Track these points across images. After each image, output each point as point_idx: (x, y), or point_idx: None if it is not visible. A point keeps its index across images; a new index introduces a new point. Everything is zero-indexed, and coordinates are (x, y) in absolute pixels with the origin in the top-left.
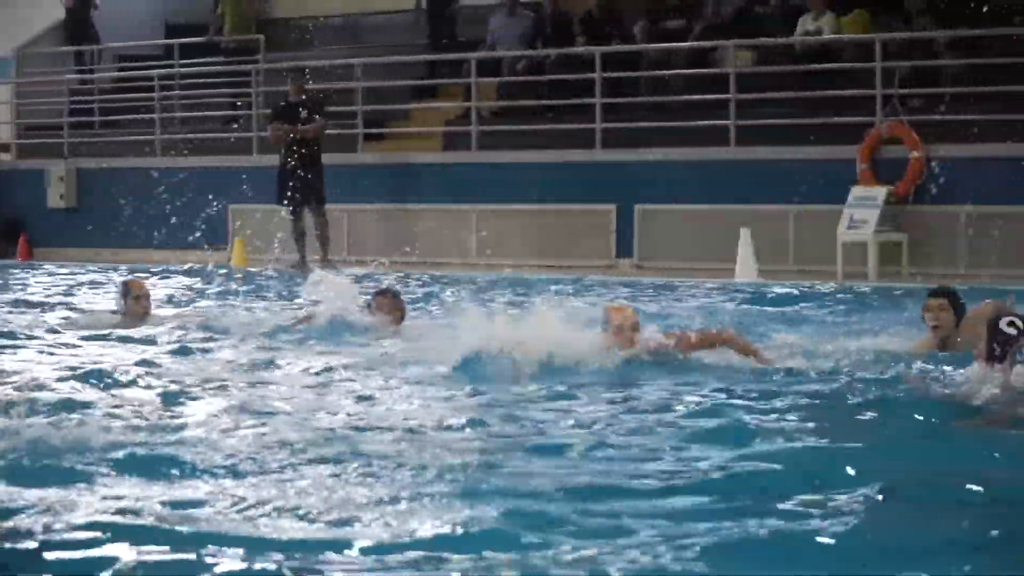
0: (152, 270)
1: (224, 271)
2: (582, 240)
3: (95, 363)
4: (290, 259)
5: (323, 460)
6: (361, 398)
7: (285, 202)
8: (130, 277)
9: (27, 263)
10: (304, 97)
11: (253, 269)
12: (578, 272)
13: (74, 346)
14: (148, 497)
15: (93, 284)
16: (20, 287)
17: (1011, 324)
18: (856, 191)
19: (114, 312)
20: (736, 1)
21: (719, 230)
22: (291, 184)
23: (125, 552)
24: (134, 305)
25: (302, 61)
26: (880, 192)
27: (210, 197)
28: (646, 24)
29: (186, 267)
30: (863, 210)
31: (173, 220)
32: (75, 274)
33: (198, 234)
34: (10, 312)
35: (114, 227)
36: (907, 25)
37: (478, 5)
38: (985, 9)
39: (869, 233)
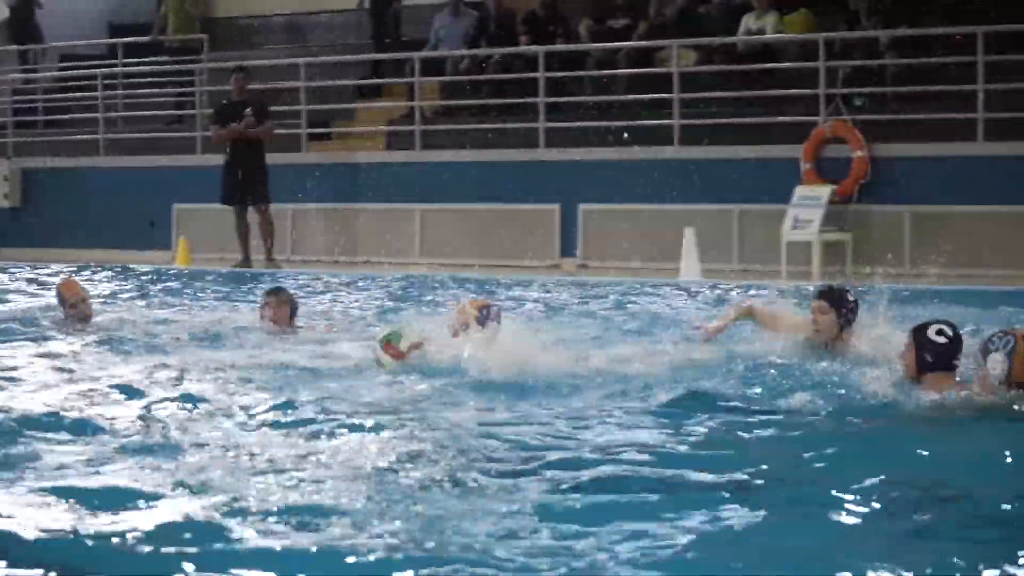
0: (94, 269)
1: (169, 270)
2: (526, 240)
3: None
4: (234, 258)
5: (279, 468)
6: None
7: (230, 200)
8: (64, 279)
9: None
10: (247, 96)
11: (197, 268)
12: (522, 272)
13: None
14: (105, 505)
15: (39, 285)
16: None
17: (940, 333)
18: (800, 190)
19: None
20: (679, 1)
21: (664, 230)
22: (236, 183)
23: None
24: (71, 311)
25: (246, 60)
26: (824, 191)
27: (154, 197)
28: (591, 23)
29: (130, 267)
30: (807, 210)
31: (118, 220)
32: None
33: (142, 234)
34: None
35: (59, 227)
36: (850, 25)
37: (421, 4)
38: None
39: (813, 232)
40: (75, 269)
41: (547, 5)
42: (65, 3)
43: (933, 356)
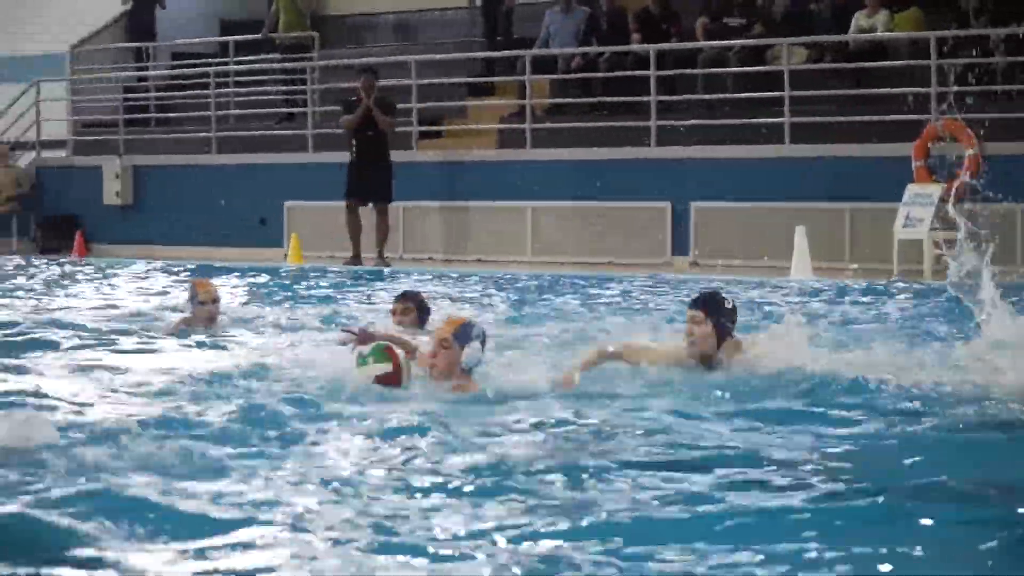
0: (213, 267)
1: (281, 268)
2: (637, 238)
3: (157, 369)
4: (344, 255)
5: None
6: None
7: (352, 195)
8: (198, 278)
9: (84, 259)
10: (371, 86)
11: (309, 265)
12: (632, 271)
13: (138, 350)
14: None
15: (151, 281)
16: (79, 284)
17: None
18: (912, 188)
19: (178, 312)
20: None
21: (776, 226)
22: (360, 180)
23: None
24: (200, 309)
25: (356, 58)
26: (935, 190)
27: (265, 194)
28: (707, 21)
29: (243, 264)
30: (919, 208)
31: (229, 217)
32: (132, 271)
33: (253, 231)
34: (66, 311)
35: (170, 224)
36: (960, 23)
37: (533, 2)
38: None
39: (925, 231)
40: (194, 267)
41: (660, 3)
42: (177, 1)
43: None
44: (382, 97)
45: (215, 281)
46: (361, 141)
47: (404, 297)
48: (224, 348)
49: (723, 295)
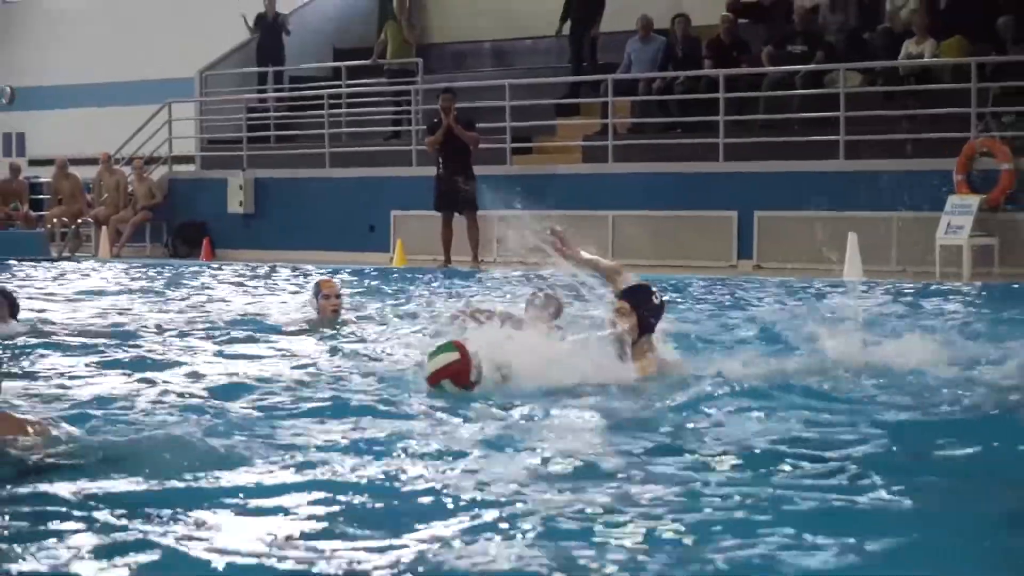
0: (328, 270)
1: (390, 270)
2: (707, 243)
3: (284, 362)
4: (441, 259)
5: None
6: None
7: (440, 207)
8: (323, 278)
9: (210, 263)
10: (452, 107)
11: (411, 268)
12: (703, 272)
13: (265, 344)
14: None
15: (271, 281)
16: (206, 285)
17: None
18: (953, 199)
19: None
20: (846, 26)
21: (830, 233)
22: (446, 192)
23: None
24: (324, 303)
25: (456, 82)
26: (974, 200)
27: (374, 204)
28: (771, 49)
29: (353, 267)
30: (959, 216)
31: (340, 225)
32: (256, 274)
33: (362, 237)
34: (199, 308)
35: (287, 230)
36: (999, 50)
37: (615, 32)
38: None
39: (964, 237)
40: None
41: (730, 33)
42: (295, 29)
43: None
44: (463, 116)
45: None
46: (447, 156)
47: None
48: (344, 342)
49: (652, 290)
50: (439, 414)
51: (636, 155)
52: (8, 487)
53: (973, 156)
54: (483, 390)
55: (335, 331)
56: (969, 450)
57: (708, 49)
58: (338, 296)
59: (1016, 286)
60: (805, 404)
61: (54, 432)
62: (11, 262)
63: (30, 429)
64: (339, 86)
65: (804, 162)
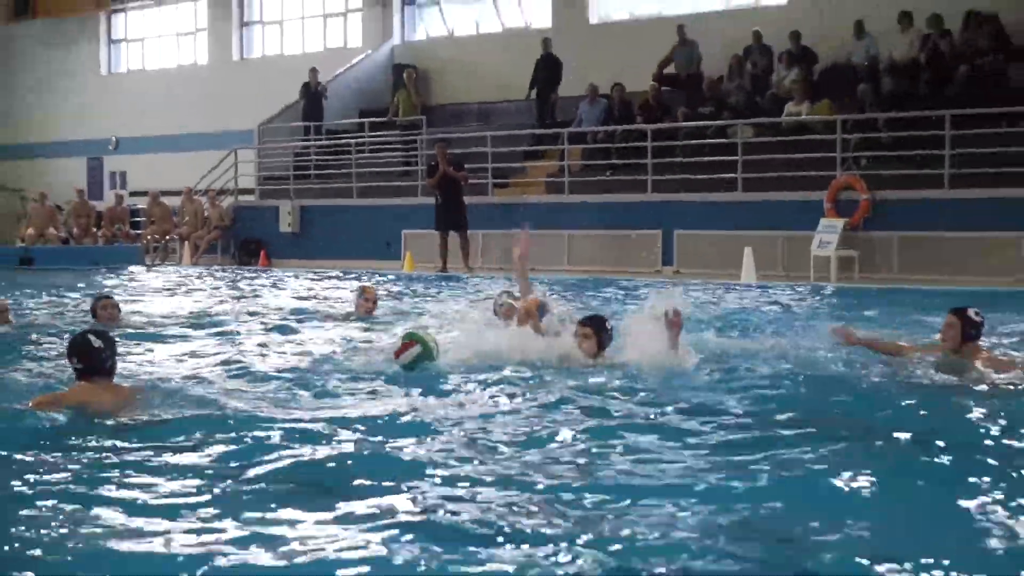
0: (359, 274)
1: (403, 275)
2: (639, 254)
3: (330, 348)
4: (438, 266)
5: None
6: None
7: (439, 227)
8: (366, 284)
9: (266, 269)
10: (447, 158)
11: (417, 273)
12: (636, 276)
13: (313, 330)
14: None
15: (317, 283)
16: (265, 285)
17: (977, 314)
18: (823, 222)
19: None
20: (743, 92)
21: (732, 247)
22: (442, 216)
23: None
24: (362, 303)
25: (451, 134)
26: (840, 223)
27: (389, 225)
28: (686, 110)
29: (374, 272)
30: (828, 235)
31: (364, 241)
32: (300, 277)
33: (381, 250)
34: (258, 302)
35: (325, 245)
36: (859, 109)
37: (569, 96)
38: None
39: (832, 250)
40: (352, 274)
41: (656, 98)
42: (331, 95)
43: (975, 330)
44: (453, 159)
45: (370, 283)
46: (443, 190)
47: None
48: (370, 332)
49: (606, 318)
50: (410, 391)
51: (586, 189)
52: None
53: (839, 189)
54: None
55: (368, 324)
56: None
57: (639, 109)
58: (375, 300)
59: (871, 287)
60: (710, 376)
61: (150, 396)
62: (117, 269)
63: (136, 395)
64: (363, 137)
65: (712, 194)
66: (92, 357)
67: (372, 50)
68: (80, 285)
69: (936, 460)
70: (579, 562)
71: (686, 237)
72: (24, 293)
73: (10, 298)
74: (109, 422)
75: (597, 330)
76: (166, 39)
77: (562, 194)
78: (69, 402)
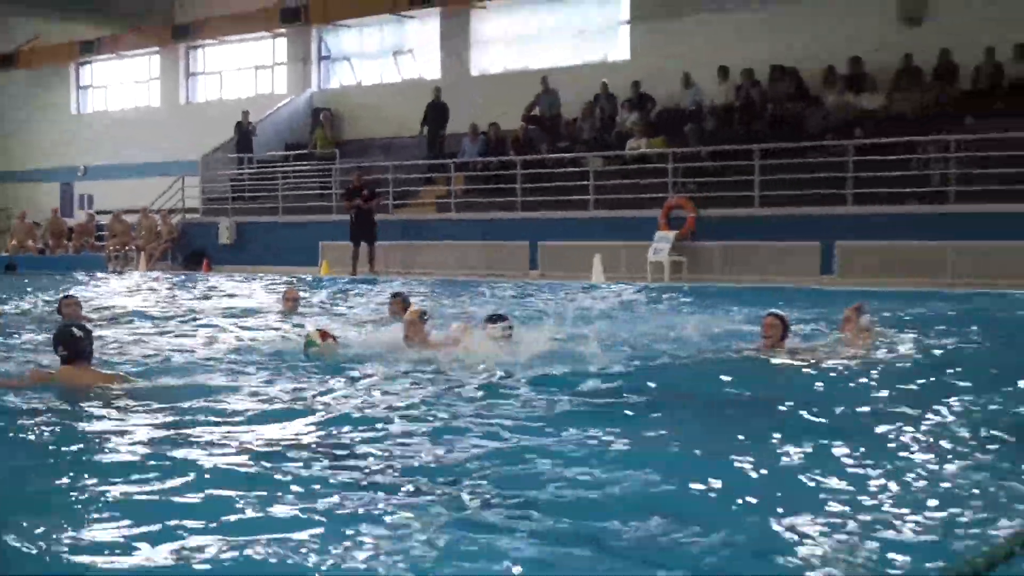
0: (283, 278)
1: (321, 278)
2: (511, 260)
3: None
4: (348, 270)
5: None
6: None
7: (353, 240)
8: (290, 287)
9: (207, 274)
10: (363, 183)
11: (333, 277)
12: (510, 279)
13: (241, 325)
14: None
15: (245, 285)
16: (209, 288)
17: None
18: (658, 234)
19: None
20: (594, 130)
21: (585, 254)
22: (356, 231)
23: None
24: (287, 303)
25: (361, 163)
26: (671, 235)
27: (309, 237)
28: (547, 145)
29: (297, 275)
30: (662, 244)
31: (289, 250)
32: (235, 280)
33: (303, 258)
34: (201, 302)
35: (257, 254)
36: (684, 144)
37: (455, 133)
38: (725, 133)
39: (665, 256)
40: (281, 279)
41: (525, 136)
42: (261, 131)
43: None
44: (368, 184)
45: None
46: (358, 213)
47: (396, 296)
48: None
49: (506, 314)
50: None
51: (469, 208)
52: (98, 417)
53: (671, 208)
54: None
55: (290, 318)
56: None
57: (511, 145)
58: (296, 299)
59: (697, 286)
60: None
61: (128, 384)
62: (85, 274)
63: (114, 381)
64: (288, 166)
65: (568, 212)
66: (75, 345)
67: (295, 96)
68: (54, 288)
69: (741, 426)
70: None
71: (548, 247)
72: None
73: None
74: (91, 396)
75: (502, 320)
76: (126, 85)
77: (450, 212)
78: (57, 381)
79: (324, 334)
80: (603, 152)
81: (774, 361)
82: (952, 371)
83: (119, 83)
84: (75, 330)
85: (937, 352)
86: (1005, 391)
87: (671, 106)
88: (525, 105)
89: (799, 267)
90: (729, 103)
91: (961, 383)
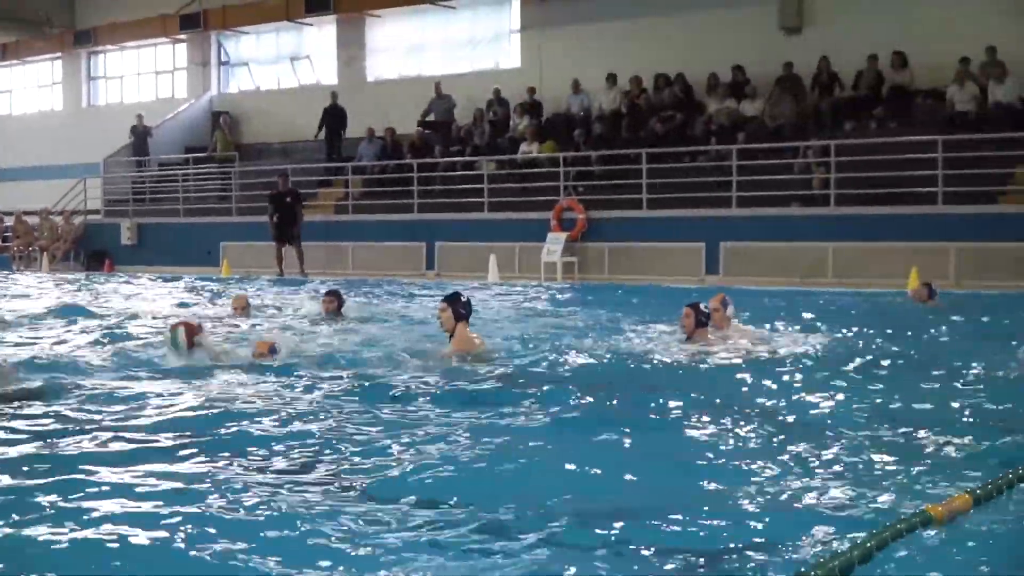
0: (183, 279)
1: (222, 277)
2: (408, 260)
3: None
4: (258, 272)
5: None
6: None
7: (278, 240)
8: (239, 294)
9: (111, 274)
10: (288, 188)
11: (235, 276)
12: (403, 278)
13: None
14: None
15: (150, 287)
16: (113, 289)
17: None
18: (551, 235)
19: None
20: (487, 136)
21: (481, 255)
22: (279, 232)
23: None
24: (237, 311)
25: (258, 167)
26: (563, 236)
27: (210, 238)
28: (443, 148)
29: (197, 276)
30: (554, 245)
31: (190, 251)
32: (137, 282)
33: (203, 258)
34: (103, 300)
35: (159, 254)
36: (576, 148)
37: (353, 137)
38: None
39: (557, 257)
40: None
41: (421, 140)
42: (161, 134)
43: (705, 318)
44: (292, 191)
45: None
46: (280, 213)
47: (329, 293)
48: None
49: (461, 294)
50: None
51: (366, 210)
52: None
53: (562, 211)
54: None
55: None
56: None
57: (407, 148)
58: (245, 308)
59: (588, 284)
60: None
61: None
62: None
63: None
64: (188, 169)
65: (462, 213)
66: None
67: (195, 99)
68: None
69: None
70: None
71: (445, 247)
72: None
73: None
74: None
75: (452, 303)
76: (29, 90)
77: (347, 214)
78: None
79: (190, 328)
80: (496, 156)
81: (688, 347)
82: (829, 362)
83: (23, 87)
84: None
85: (818, 345)
86: (886, 379)
87: (561, 111)
88: (420, 110)
89: (685, 267)
90: (617, 109)
91: (840, 373)
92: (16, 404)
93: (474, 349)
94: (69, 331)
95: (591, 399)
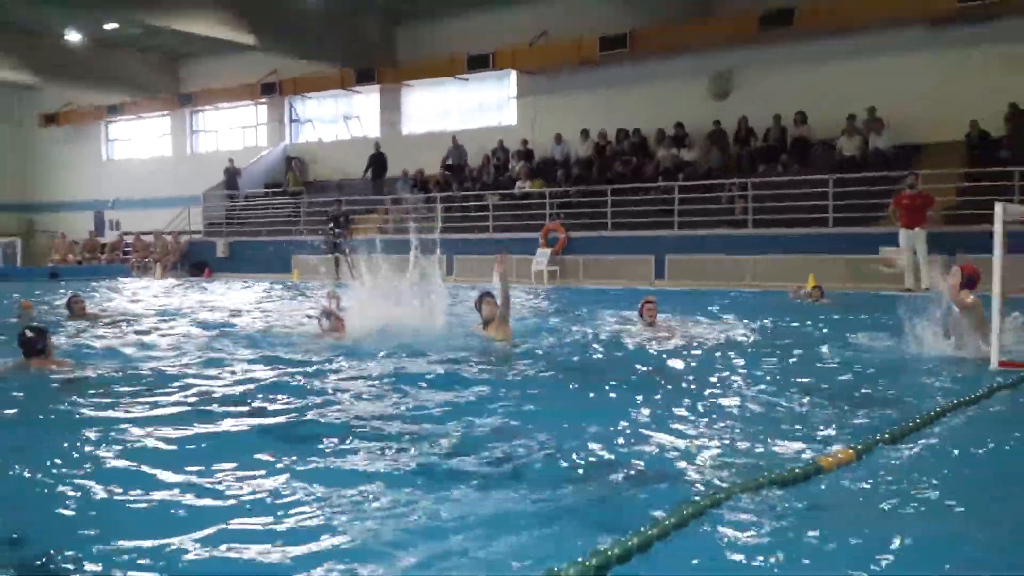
0: (265, 283)
1: (293, 282)
2: (432, 267)
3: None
4: (331, 276)
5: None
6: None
7: (332, 253)
8: (331, 290)
9: (210, 279)
10: (341, 211)
11: (303, 282)
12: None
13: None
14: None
15: (243, 290)
16: (212, 291)
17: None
18: (540, 250)
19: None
20: (492, 176)
21: (487, 264)
22: (334, 247)
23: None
24: (326, 323)
25: (324, 198)
26: (548, 250)
27: (284, 253)
28: (459, 186)
29: (275, 280)
30: (542, 257)
31: (270, 261)
32: (231, 287)
33: (280, 267)
34: (204, 302)
35: (246, 264)
36: (558, 184)
37: (391, 176)
38: (591, 176)
39: (544, 266)
40: (265, 283)
41: (443, 179)
42: (248, 174)
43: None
44: (345, 213)
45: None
46: (336, 234)
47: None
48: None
49: (492, 292)
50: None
51: (401, 232)
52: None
53: (548, 231)
54: None
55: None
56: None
57: (433, 185)
58: (337, 298)
59: (568, 287)
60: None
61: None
62: (117, 280)
63: (65, 364)
64: (268, 200)
65: (474, 234)
66: (25, 345)
67: (273, 147)
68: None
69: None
70: None
71: (462, 260)
72: (43, 297)
73: (39, 299)
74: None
75: (488, 298)
76: (146, 138)
77: (387, 235)
78: (11, 370)
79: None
80: (498, 191)
81: (646, 334)
82: (747, 346)
83: (139, 137)
84: (27, 332)
85: (737, 332)
86: (794, 359)
87: (547, 157)
88: (441, 157)
89: (638, 273)
90: (589, 156)
91: (753, 352)
92: (65, 391)
93: (508, 332)
94: (181, 328)
95: (577, 370)
